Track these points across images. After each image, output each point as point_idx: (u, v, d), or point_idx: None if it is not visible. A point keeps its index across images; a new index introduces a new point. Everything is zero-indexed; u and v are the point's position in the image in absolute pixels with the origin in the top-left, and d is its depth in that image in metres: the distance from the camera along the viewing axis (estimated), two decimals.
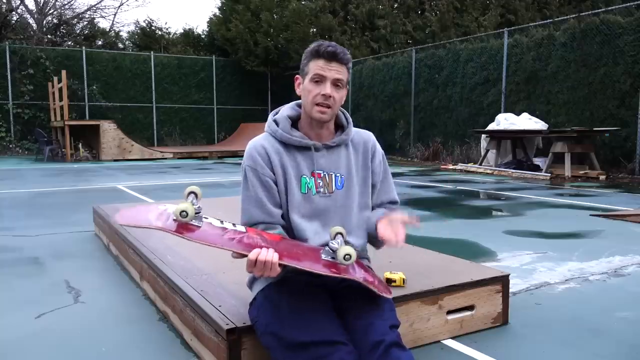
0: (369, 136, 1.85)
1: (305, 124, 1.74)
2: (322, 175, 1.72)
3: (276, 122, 1.75)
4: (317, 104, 1.65)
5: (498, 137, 10.40)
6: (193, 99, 19.34)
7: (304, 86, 1.68)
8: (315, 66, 1.64)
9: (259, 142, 1.73)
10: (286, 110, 1.79)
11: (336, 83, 1.64)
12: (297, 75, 1.73)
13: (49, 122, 15.92)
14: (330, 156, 1.74)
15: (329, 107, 1.65)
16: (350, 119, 1.82)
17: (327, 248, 1.56)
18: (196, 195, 1.54)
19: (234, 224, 1.58)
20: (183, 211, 1.45)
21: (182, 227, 1.46)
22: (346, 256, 1.50)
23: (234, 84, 19.95)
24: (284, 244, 1.57)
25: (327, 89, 1.63)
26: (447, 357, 2.01)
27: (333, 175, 1.73)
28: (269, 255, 1.44)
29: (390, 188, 1.87)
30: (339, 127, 1.80)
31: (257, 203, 1.67)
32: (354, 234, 1.77)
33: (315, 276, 1.71)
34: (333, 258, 1.55)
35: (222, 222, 1.56)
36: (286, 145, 1.72)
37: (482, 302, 2.24)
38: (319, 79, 1.64)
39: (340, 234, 1.61)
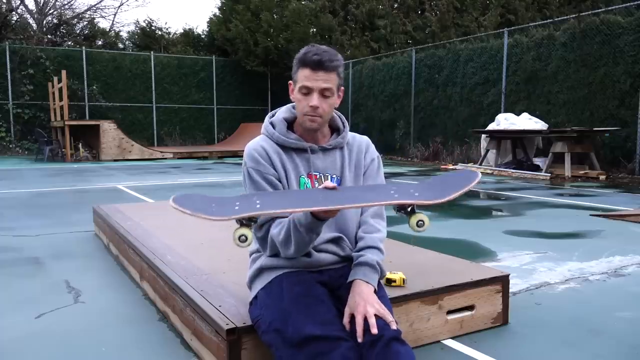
0: (365, 139, 1.87)
1: (300, 127, 1.75)
2: (317, 177, 1.74)
3: (272, 125, 1.77)
4: (306, 114, 1.66)
5: (498, 137, 10.39)
6: (193, 99, 19.35)
7: (294, 95, 1.69)
8: (302, 76, 1.63)
9: (257, 143, 1.75)
10: (282, 112, 1.80)
11: (323, 93, 1.63)
12: (290, 82, 1.74)
13: (49, 122, 15.92)
14: (325, 158, 1.76)
15: (318, 116, 1.66)
16: (346, 123, 1.83)
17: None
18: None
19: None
20: (242, 235, 1.37)
21: None
22: (419, 222, 1.37)
23: (234, 84, 19.95)
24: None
25: (314, 100, 1.63)
26: (447, 357, 2.01)
27: (329, 177, 1.75)
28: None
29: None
30: (335, 130, 1.82)
31: None
32: (349, 234, 1.77)
33: (316, 272, 1.71)
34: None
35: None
36: (283, 147, 1.74)
37: (482, 302, 2.24)
38: (306, 91, 1.64)
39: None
